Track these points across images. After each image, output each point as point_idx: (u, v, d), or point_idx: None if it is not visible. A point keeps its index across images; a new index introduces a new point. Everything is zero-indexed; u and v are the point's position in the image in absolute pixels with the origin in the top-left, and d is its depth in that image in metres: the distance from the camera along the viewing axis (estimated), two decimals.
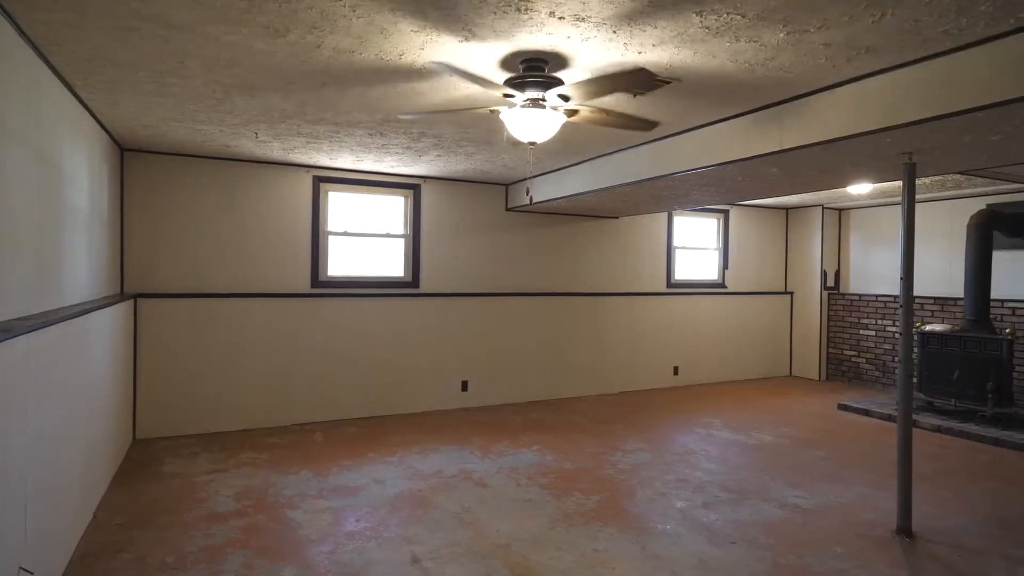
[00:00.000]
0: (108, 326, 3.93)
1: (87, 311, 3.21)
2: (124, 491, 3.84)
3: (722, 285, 7.99)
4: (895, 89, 2.72)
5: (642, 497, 3.87)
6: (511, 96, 2.81)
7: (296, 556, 3.03)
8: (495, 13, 2.22)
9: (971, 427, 5.41)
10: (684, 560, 3.05)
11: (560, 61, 2.68)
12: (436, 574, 2.88)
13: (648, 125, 3.27)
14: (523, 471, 4.33)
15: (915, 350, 6.41)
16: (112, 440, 4.09)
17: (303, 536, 3.25)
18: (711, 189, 4.76)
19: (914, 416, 5.81)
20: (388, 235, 6.05)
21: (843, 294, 8.07)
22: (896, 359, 7.13)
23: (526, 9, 2.19)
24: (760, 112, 3.41)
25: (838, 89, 2.97)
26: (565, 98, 2.66)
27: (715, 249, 8.03)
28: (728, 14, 2.21)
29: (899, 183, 5.71)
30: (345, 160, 5.21)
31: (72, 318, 2.94)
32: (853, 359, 7.93)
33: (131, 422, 4.87)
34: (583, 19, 2.26)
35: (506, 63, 2.71)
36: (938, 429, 5.56)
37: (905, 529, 3.36)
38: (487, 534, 3.31)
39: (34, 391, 2.42)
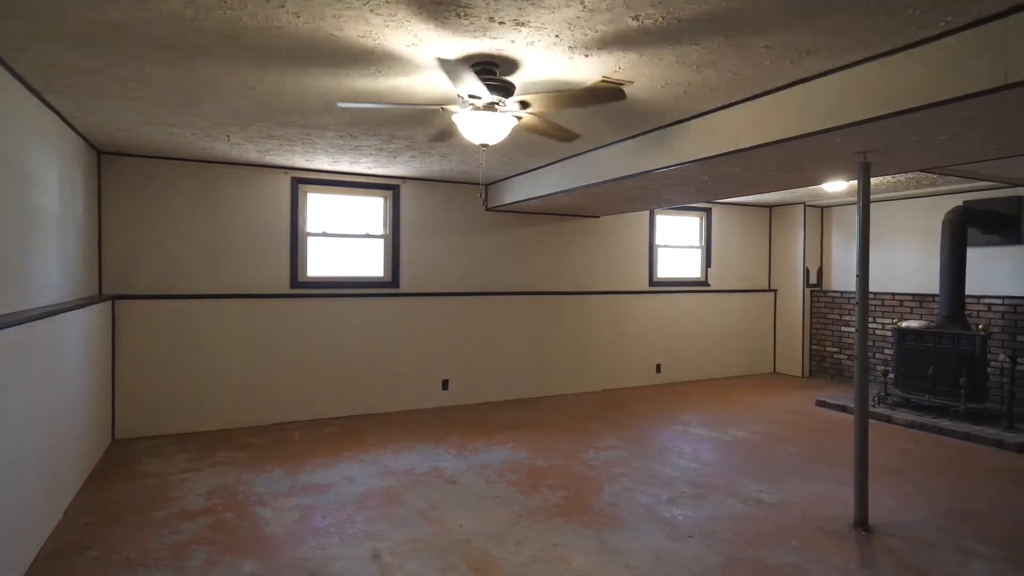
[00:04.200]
0: (82, 328, 3.98)
1: (53, 313, 3.26)
2: (97, 490, 3.89)
3: (705, 283, 8.04)
4: (839, 90, 2.77)
5: (608, 493, 3.92)
6: (456, 102, 2.88)
7: (259, 552, 3.09)
8: (436, 19, 2.27)
9: (944, 422, 5.45)
10: (640, 554, 3.10)
11: (510, 64, 2.73)
12: (395, 569, 2.93)
13: (570, 136, 3.35)
14: (494, 468, 4.38)
15: (892, 346, 6.46)
16: (87, 440, 4.14)
17: (268, 533, 3.31)
18: (681, 188, 4.81)
19: (889, 412, 5.89)
20: (368, 236, 6.10)
21: (825, 291, 8.12)
22: (877, 355, 7.18)
23: (466, 15, 2.24)
24: (719, 112, 3.46)
25: (789, 90, 3.02)
26: (523, 104, 2.71)
27: (698, 247, 8.08)
28: (663, 18, 2.25)
29: (877, 180, 5.79)
30: (321, 162, 5.26)
31: (37, 319, 2.99)
32: (835, 355, 7.98)
33: (110, 422, 4.92)
34: (523, 24, 2.31)
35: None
36: (912, 424, 5.61)
37: (862, 522, 3.41)
38: (450, 530, 3.36)
39: None
